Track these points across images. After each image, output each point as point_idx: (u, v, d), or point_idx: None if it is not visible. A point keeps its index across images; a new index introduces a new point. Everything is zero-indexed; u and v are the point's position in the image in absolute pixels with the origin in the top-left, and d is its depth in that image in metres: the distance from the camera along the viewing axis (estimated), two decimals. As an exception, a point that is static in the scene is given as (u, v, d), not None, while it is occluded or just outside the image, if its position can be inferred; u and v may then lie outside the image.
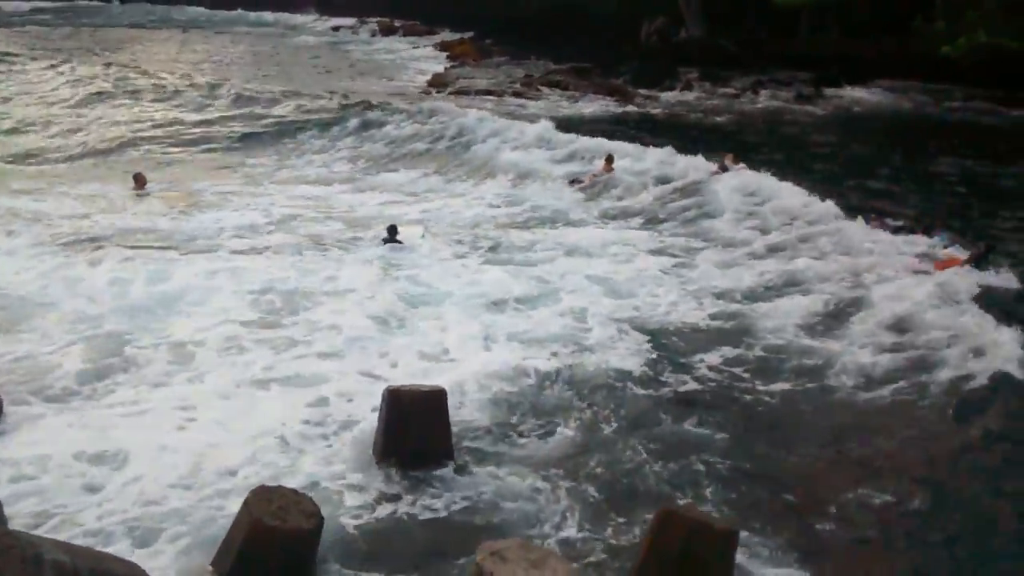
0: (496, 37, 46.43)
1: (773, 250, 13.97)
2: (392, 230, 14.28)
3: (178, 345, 10.29)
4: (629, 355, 10.29)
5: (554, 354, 10.20)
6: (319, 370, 9.78)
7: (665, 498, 7.53)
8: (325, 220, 15.71)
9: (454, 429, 8.16)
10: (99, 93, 28.72)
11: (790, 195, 15.77)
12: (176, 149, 21.99)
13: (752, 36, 35.96)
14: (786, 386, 9.68)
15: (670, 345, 10.71)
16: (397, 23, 54.58)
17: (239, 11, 68.78)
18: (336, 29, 57.33)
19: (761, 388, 9.64)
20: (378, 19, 56.75)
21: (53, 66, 33.91)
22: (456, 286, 12.39)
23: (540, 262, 13.56)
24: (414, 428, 7.76)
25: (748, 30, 36.17)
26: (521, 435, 8.64)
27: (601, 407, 9.18)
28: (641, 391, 9.51)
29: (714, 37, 37.42)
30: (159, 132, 23.70)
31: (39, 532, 6.45)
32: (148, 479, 7.58)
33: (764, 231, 14.73)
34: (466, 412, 8.81)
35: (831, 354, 10.24)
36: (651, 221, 15.91)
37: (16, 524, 6.48)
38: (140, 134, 23.40)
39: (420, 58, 42.35)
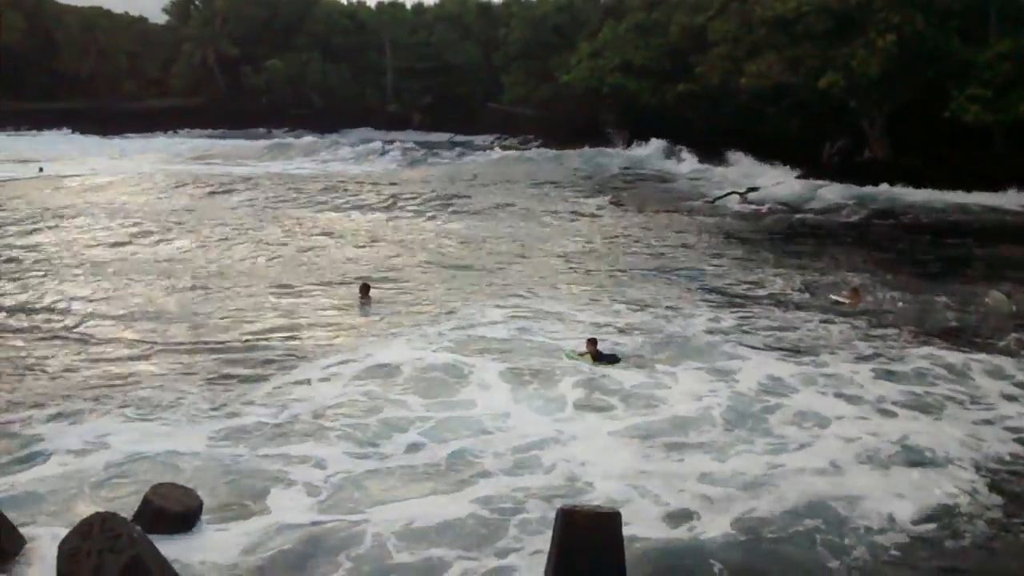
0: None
1: None
2: (594, 344, 14.03)
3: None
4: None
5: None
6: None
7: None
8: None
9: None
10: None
11: None
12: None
13: (940, 155, 34.79)
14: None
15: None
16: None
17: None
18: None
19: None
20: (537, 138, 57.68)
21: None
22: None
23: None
24: (587, 552, 7.69)
25: (936, 149, 35.02)
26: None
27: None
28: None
29: (899, 157, 36.47)
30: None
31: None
32: None
33: None
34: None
35: None
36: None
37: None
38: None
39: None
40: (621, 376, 13.56)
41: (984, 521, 9.21)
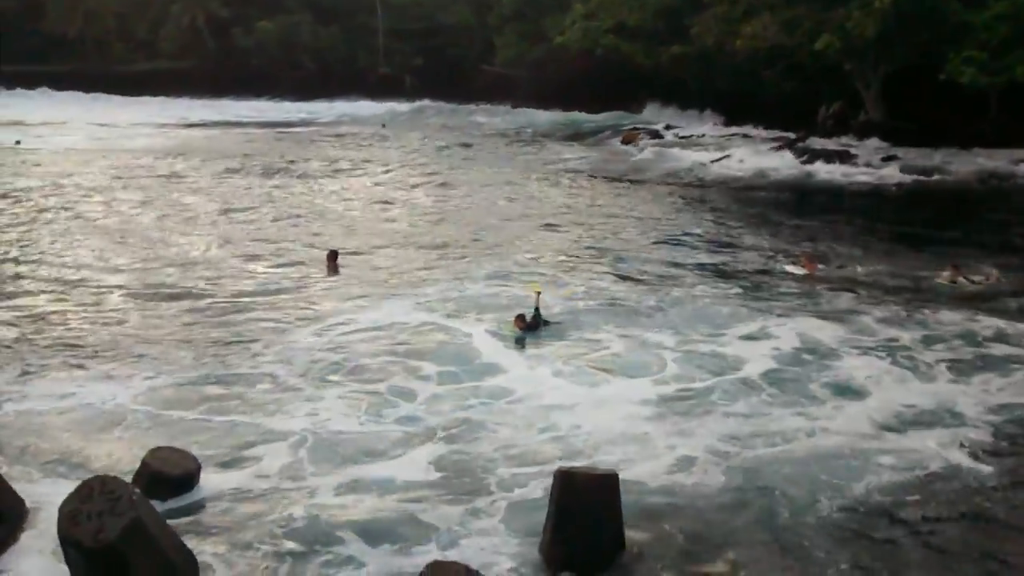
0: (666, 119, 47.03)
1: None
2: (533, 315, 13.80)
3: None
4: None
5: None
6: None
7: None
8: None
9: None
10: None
11: None
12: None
13: (937, 118, 34.65)
14: None
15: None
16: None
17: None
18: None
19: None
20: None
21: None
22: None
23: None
24: (586, 512, 7.72)
25: (932, 113, 34.86)
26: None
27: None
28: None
29: (895, 120, 36.35)
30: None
31: None
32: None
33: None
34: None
35: None
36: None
37: None
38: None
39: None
40: (650, 343, 13.53)
41: (973, 492, 9.14)
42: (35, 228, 22.16)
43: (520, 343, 13.43)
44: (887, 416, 10.88)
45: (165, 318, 14.82)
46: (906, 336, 13.77)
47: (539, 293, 14.19)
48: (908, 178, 30.47)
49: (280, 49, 72.11)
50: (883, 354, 13.00)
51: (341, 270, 18.01)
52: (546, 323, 13.94)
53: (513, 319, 13.87)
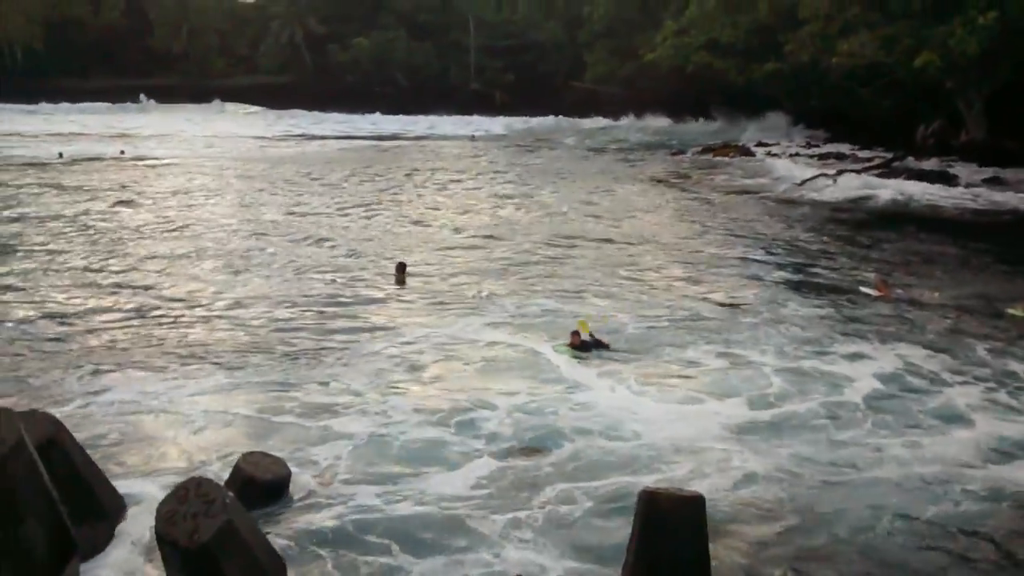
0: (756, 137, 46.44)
1: None
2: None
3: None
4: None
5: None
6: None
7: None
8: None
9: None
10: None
11: None
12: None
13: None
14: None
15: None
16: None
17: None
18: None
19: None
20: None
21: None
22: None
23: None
24: (670, 535, 7.64)
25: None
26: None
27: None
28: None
29: (999, 139, 35.16)
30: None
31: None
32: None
33: None
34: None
35: None
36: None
37: None
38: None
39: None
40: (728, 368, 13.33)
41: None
42: (116, 234, 22.96)
43: (580, 360, 13.31)
44: (992, 446, 10.50)
45: (241, 323, 15.23)
46: (1016, 366, 13.24)
47: (590, 331, 14.01)
48: (1012, 201, 29.37)
49: (374, 65, 73.69)
50: (993, 383, 12.52)
51: (410, 283, 18.01)
52: (603, 345, 13.76)
53: (570, 335, 13.82)
